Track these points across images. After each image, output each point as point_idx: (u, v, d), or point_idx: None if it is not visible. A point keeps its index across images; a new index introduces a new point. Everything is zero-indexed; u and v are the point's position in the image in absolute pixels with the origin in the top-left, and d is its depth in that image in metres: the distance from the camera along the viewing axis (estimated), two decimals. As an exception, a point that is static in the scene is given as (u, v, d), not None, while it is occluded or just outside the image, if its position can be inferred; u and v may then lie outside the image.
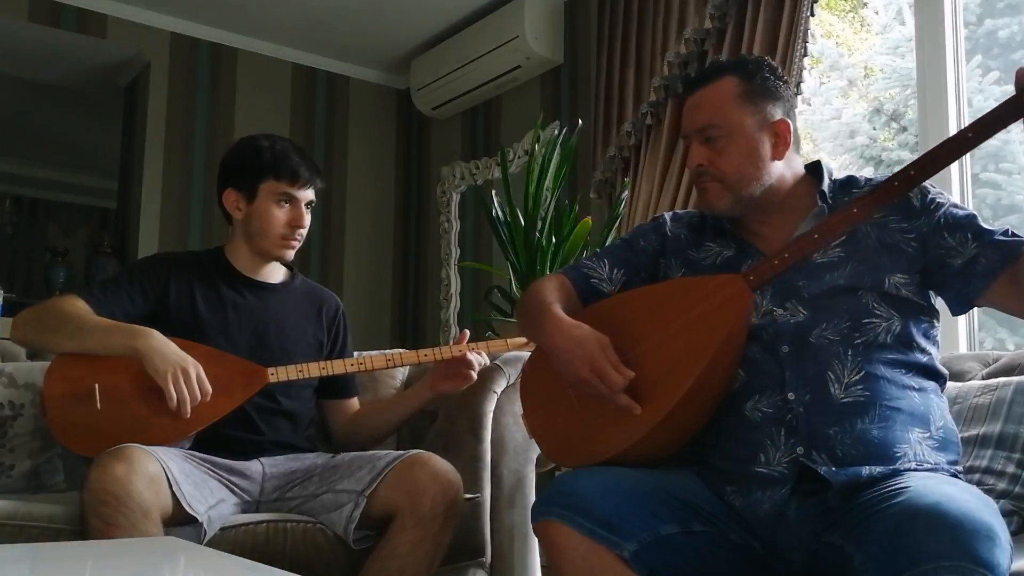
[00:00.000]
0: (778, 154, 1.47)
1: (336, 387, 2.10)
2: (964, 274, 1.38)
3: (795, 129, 1.53)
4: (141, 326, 1.82)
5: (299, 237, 2.02)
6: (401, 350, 2.04)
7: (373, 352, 2.13)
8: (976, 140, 1.26)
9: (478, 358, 1.99)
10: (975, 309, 2.41)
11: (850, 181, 1.52)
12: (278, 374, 1.88)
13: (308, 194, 2.02)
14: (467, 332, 2.04)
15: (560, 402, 1.44)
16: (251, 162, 1.99)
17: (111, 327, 1.81)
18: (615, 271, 1.59)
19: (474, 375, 1.99)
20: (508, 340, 2.10)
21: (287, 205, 1.99)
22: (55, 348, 1.82)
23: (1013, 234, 1.38)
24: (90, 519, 1.53)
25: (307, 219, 2.02)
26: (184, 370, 1.74)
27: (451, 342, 2.25)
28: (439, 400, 2.13)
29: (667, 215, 1.66)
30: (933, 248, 1.40)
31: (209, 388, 1.77)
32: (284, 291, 2.07)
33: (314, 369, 1.92)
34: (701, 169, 1.48)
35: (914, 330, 1.40)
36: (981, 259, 1.37)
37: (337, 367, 1.95)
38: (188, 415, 1.74)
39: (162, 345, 1.77)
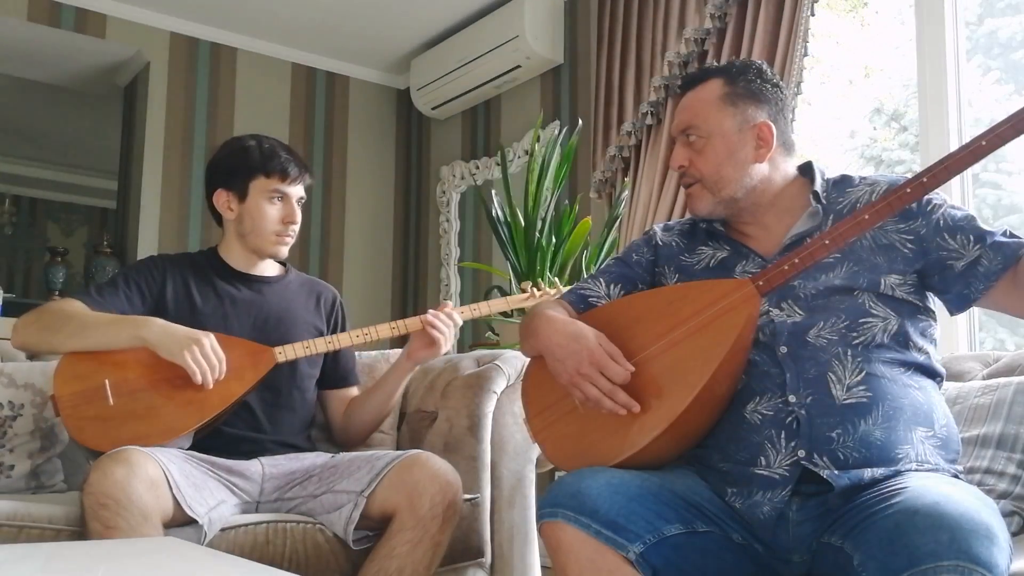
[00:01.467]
0: (760, 156, 1.48)
1: (337, 376, 2.11)
2: (966, 276, 1.38)
3: (785, 131, 1.53)
4: (143, 316, 1.84)
5: (292, 233, 2.03)
6: (404, 320, 2.04)
7: (373, 352, 2.13)
8: (990, 148, 1.25)
9: (446, 320, 1.99)
10: (976, 310, 2.42)
11: (844, 180, 1.53)
12: (285, 352, 1.90)
13: (299, 190, 2.03)
14: (449, 302, 2.06)
15: (564, 406, 1.43)
16: (240, 161, 2.00)
17: (114, 320, 1.83)
18: (612, 287, 1.59)
19: (442, 339, 1.98)
20: (508, 299, 2.11)
21: (279, 202, 2.00)
22: (59, 349, 1.82)
23: (1012, 235, 1.38)
24: (90, 522, 1.53)
25: (299, 215, 2.03)
26: (198, 342, 1.77)
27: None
28: (438, 401, 2.13)
29: (657, 226, 1.67)
30: (934, 250, 1.40)
31: (223, 354, 1.80)
32: (280, 283, 2.08)
33: (320, 344, 1.94)
34: (682, 170, 1.52)
35: (911, 329, 1.40)
36: (983, 261, 1.37)
37: (343, 340, 1.96)
38: (211, 385, 1.77)
39: (168, 328, 1.80)
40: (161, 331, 1.79)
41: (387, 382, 2.06)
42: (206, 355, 1.77)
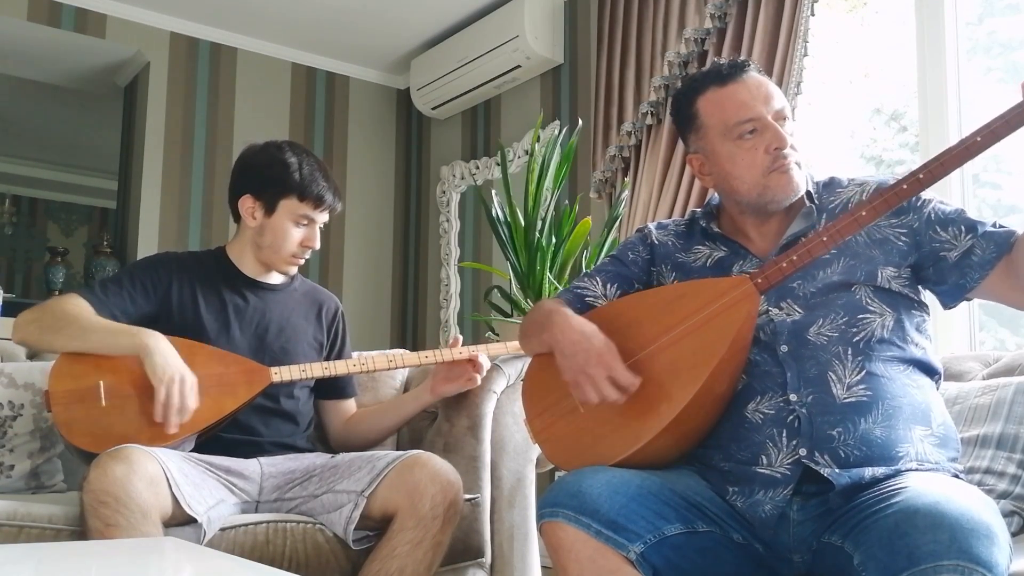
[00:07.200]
0: None
1: (334, 388, 2.11)
2: (960, 266, 1.39)
3: None
4: (146, 328, 1.82)
5: (307, 256, 2.03)
6: (402, 351, 2.05)
7: (374, 352, 2.13)
8: (985, 144, 1.26)
9: (484, 361, 2.00)
10: (976, 309, 2.42)
11: (833, 182, 1.53)
12: (281, 374, 1.88)
13: (326, 217, 2.03)
14: (460, 337, 2.05)
15: (564, 407, 1.43)
16: (277, 176, 1.97)
17: (115, 328, 1.81)
18: (608, 286, 1.59)
19: (479, 378, 2.00)
20: (507, 343, 2.10)
21: (304, 226, 1.99)
22: (59, 349, 1.81)
23: (1001, 225, 1.40)
24: (90, 520, 1.53)
25: (319, 241, 2.02)
26: (182, 380, 1.74)
27: (448, 344, 2.26)
28: (439, 401, 2.13)
29: (651, 225, 1.66)
30: (926, 243, 1.42)
31: (194, 404, 1.75)
32: (284, 292, 2.08)
33: (317, 369, 1.92)
34: (790, 149, 1.44)
35: (907, 324, 1.41)
36: (976, 250, 1.38)
37: (340, 368, 1.96)
38: (171, 428, 1.72)
39: (166, 349, 1.77)
40: (160, 348, 1.76)
41: (402, 411, 2.08)
42: (182, 392, 1.73)
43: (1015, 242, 1.36)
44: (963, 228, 1.40)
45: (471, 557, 1.96)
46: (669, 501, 1.28)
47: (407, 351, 2.05)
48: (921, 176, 1.30)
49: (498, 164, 3.65)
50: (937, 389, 1.44)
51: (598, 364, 1.36)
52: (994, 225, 1.40)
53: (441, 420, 2.12)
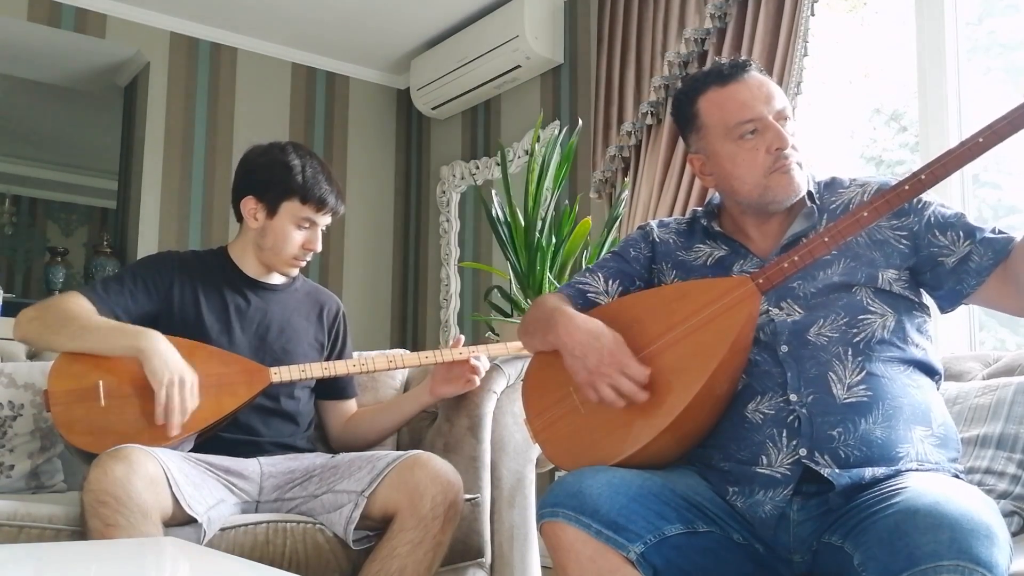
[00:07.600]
0: None
1: (334, 388, 2.11)
2: (957, 272, 1.39)
3: None
4: (145, 328, 1.82)
5: (308, 258, 2.03)
6: (402, 351, 2.05)
7: (373, 352, 2.13)
8: (987, 145, 1.26)
9: (482, 363, 2.00)
10: (976, 310, 2.42)
11: (834, 182, 1.53)
12: (281, 374, 1.88)
13: (328, 219, 2.02)
14: (462, 337, 2.05)
15: (564, 406, 1.43)
16: (279, 178, 1.97)
17: (114, 328, 1.81)
18: (610, 282, 1.59)
19: (477, 380, 2.00)
20: (507, 344, 2.10)
21: (306, 228, 1.99)
22: (59, 348, 1.82)
23: (1001, 231, 1.39)
24: (90, 520, 1.53)
25: (320, 244, 2.01)
26: (181, 382, 1.74)
27: (448, 344, 2.27)
28: (438, 401, 2.13)
29: (653, 222, 1.66)
30: (925, 247, 1.42)
31: (194, 404, 1.75)
32: (286, 292, 2.08)
33: (316, 370, 1.92)
34: (792, 149, 1.44)
35: (908, 325, 1.41)
36: (974, 257, 1.38)
37: (339, 368, 1.96)
38: (173, 429, 1.72)
39: (166, 350, 1.77)
40: (159, 349, 1.75)
41: (401, 411, 2.08)
42: (182, 395, 1.73)
43: (1013, 249, 1.35)
44: (961, 233, 1.40)
45: (471, 557, 1.96)
46: (669, 501, 1.28)
47: (407, 351, 2.05)
48: (923, 177, 1.30)
49: (498, 164, 3.66)
50: (937, 389, 1.44)
51: (611, 363, 1.36)
52: (993, 231, 1.39)
53: (441, 420, 2.12)
